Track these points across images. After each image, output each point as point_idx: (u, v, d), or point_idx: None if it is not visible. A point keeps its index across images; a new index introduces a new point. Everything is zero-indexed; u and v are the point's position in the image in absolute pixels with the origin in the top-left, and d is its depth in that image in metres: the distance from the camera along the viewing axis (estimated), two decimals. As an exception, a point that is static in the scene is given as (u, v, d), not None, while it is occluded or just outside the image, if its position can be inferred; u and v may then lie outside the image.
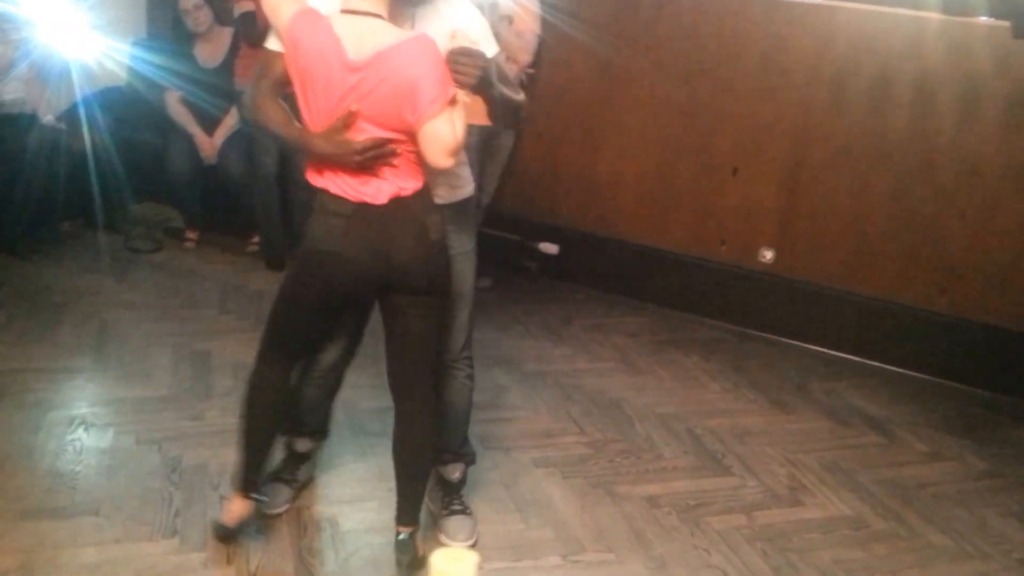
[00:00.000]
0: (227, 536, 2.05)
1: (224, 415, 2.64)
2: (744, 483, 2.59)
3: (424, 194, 1.82)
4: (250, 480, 2.04)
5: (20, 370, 2.80)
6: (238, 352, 3.04)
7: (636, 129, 3.82)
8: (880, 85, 3.35)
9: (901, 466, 2.77)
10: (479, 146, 3.57)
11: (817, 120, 3.49)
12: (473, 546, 2.15)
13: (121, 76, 4.18)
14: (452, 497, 2.24)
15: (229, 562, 2.03)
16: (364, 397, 2.82)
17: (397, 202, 1.77)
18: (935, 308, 3.43)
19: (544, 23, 3.57)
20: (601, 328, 3.64)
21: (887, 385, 3.36)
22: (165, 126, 3.99)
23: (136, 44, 4.15)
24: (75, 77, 3.80)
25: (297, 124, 1.79)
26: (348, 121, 1.71)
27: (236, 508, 2.04)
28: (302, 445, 2.29)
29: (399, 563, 2.02)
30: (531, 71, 3.59)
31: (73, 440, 2.46)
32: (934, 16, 3.23)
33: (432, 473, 2.17)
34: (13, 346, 2.96)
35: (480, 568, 2.07)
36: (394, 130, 1.73)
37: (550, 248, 4.04)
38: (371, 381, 2.94)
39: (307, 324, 1.97)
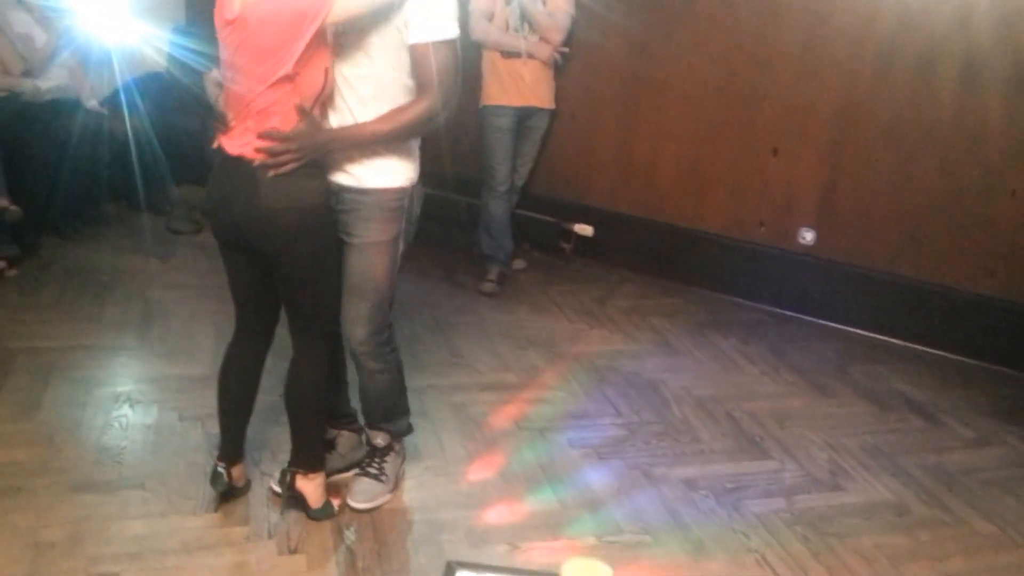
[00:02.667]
0: (220, 487, 2.11)
1: (264, 393, 2.63)
2: (783, 467, 2.56)
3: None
4: (223, 449, 2.12)
5: (69, 347, 2.88)
6: (278, 331, 3.07)
7: (673, 109, 3.76)
8: (926, 61, 3.25)
9: (945, 451, 2.71)
10: (513, 127, 3.59)
11: (861, 98, 3.39)
12: (367, 511, 2.16)
13: (160, 62, 4.24)
14: (370, 459, 2.23)
15: (270, 536, 2.07)
16: (401, 377, 2.85)
17: (243, 159, 1.80)
18: (982, 290, 3.33)
19: (578, 3, 3.53)
20: (638, 309, 3.61)
21: (931, 369, 3.28)
22: (203, 109, 4.04)
23: (175, 30, 4.20)
24: (116, 64, 3.87)
25: None
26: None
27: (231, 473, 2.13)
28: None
29: (280, 492, 2.13)
30: (564, 50, 3.55)
31: (119, 416, 2.52)
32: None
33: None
34: (62, 324, 3.04)
35: (516, 547, 2.09)
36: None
37: (585, 229, 4.01)
38: (408, 361, 2.97)
39: (233, 282, 2.03)
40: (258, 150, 1.78)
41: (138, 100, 3.95)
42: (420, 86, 1.83)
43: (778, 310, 3.67)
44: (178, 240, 3.92)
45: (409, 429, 2.30)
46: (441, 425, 2.60)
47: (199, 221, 4.08)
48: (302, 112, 1.78)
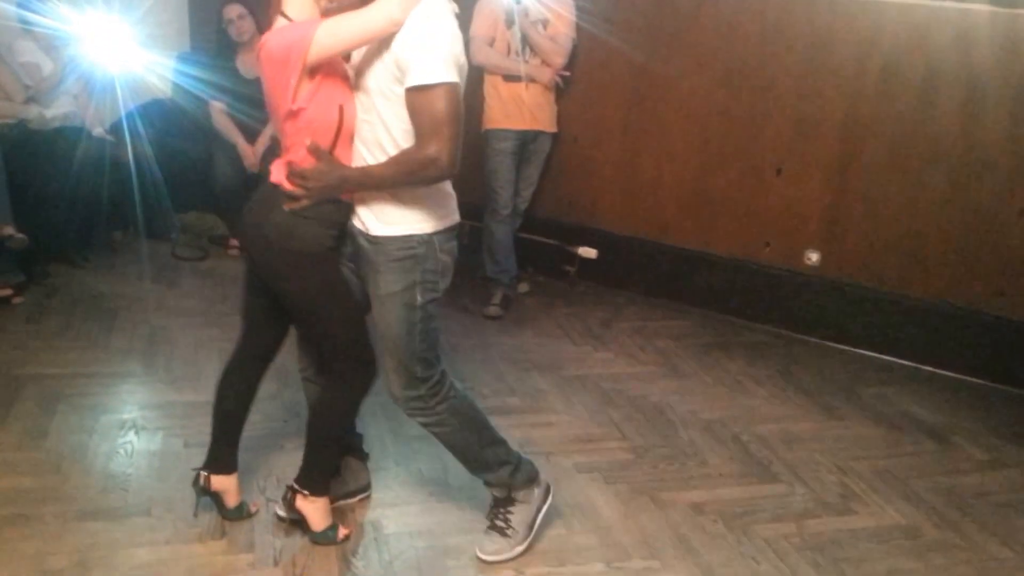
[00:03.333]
0: (197, 491, 2.14)
1: (268, 420, 2.67)
2: (793, 490, 2.53)
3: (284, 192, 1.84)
4: (208, 455, 2.13)
5: (75, 374, 2.88)
6: (281, 357, 3.05)
7: (676, 130, 3.78)
8: (930, 80, 3.26)
9: (958, 474, 2.68)
10: (516, 150, 3.61)
11: (865, 117, 3.40)
12: (494, 563, 2.10)
13: (164, 90, 4.29)
14: (495, 511, 2.16)
15: (275, 563, 2.05)
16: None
17: (276, 186, 1.85)
18: (992, 310, 3.31)
19: (579, 27, 3.56)
20: (643, 332, 3.60)
21: (942, 390, 3.25)
22: (208, 137, 4.07)
23: (180, 58, 4.26)
24: (120, 91, 3.91)
25: None
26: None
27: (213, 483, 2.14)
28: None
29: (283, 516, 2.16)
30: (566, 74, 3.58)
31: (125, 443, 2.51)
32: (983, 8, 3.14)
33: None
34: (68, 351, 3.05)
35: (521, 573, 2.07)
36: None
37: (589, 252, 4.01)
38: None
39: (244, 296, 2.07)
40: (288, 178, 1.82)
41: (143, 127, 3.99)
42: (417, 134, 1.76)
43: (785, 331, 3.65)
44: (183, 267, 3.93)
45: (523, 479, 2.13)
46: (445, 450, 2.57)
47: (204, 248, 4.10)
48: (314, 150, 1.79)
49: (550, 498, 2.20)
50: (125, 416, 2.66)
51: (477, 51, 3.47)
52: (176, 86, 4.20)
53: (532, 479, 2.16)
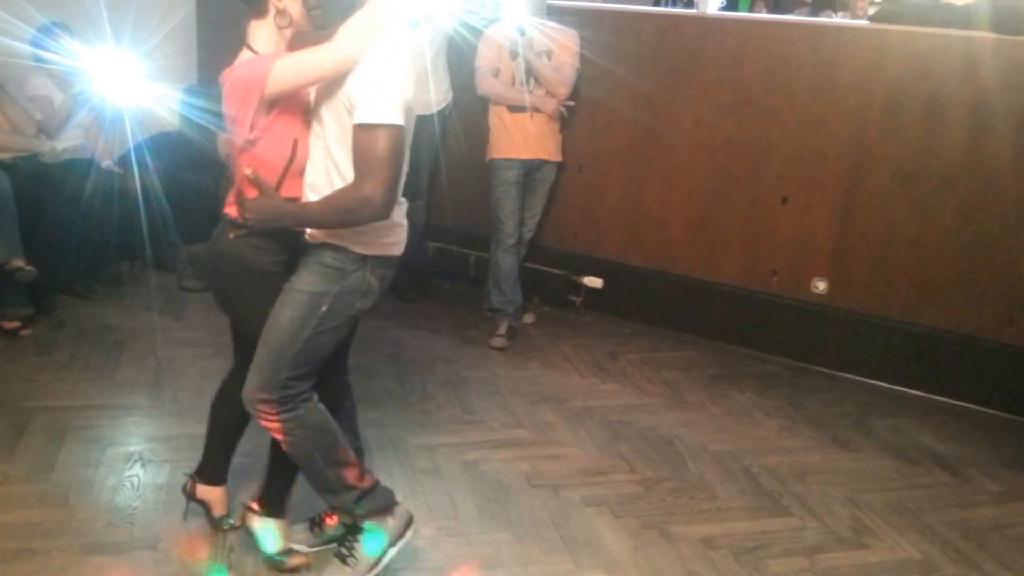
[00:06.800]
0: (184, 494, 2.25)
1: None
2: (804, 524, 2.49)
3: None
4: (200, 463, 2.24)
5: (82, 407, 2.87)
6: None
7: (682, 160, 3.79)
8: (935, 108, 3.27)
9: (973, 507, 2.64)
10: (520, 180, 3.63)
11: (870, 146, 3.41)
12: None
13: (172, 122, 4.34)
14: (342, 539, 2.11)
15: (280, 602, 2.02)
16: (412, 434, 2.82)
17: (227, 216, 1.94)
18: (1003, 339, 3.29)
19: (583, 58, 3.60)
20: (650, 363, 3.58)
21: (954, 421, 3.21)
22: (216, 168, 4.11)
23: (187, 91, 4.31)
24: (128, 123, 3.96)
25: None
26: None
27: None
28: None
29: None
30: (570, 103, 3.61)
31: (131, 476, 2.50)
32: (986, 36, 3.16)
33: None
34: (76, 383, 3.05)
35: (531, 612, 2.03)
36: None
37: (595, 282, 4.00)
38: (419, 419, 2.94)
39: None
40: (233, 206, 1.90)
41: (151, 159, 4.03)
42: (356, 171, 1.75)
43: (794, 362, 3.62)
44: (190, 298, 3.94)
45: (370, 508, 2.04)
46: (454, 484, 2.56)
47: (212, 278, 4.10)
48: (254, 181, 1.84)
49: (409, 532, 2.09)
50: (132, 449, 2.65)
51: (482, 81, 3.50)
52: (184, 118, 4.25)
53: (383, 509, 2.06)
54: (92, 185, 3.66)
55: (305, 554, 2.16)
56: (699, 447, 2.89)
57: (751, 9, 7.08)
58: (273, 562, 2.11)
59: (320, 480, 2.02)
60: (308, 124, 1.87)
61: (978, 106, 3.20)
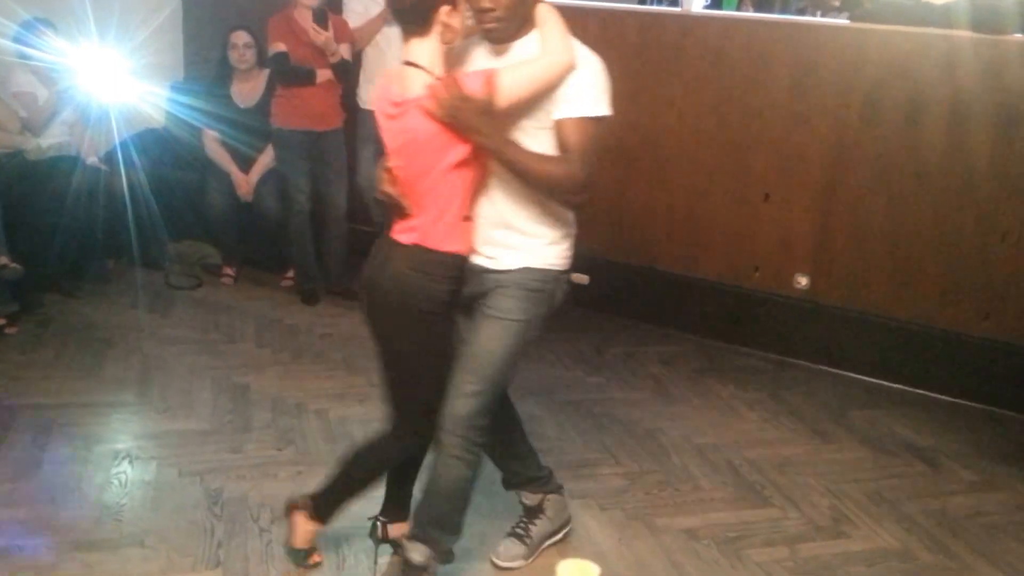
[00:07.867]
0: (373, 539, 2.11)
1: (262, 448, 2.68)
2: (785, 514, 2.54)
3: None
4: (383, 504, 2.13)
5: (69, 404, 2.87)
6: (275, 385, 3.09)
7: (665, 157, 3.83)
8: (914, 106, 3.33)
9: (948, 496, 2.70)
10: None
11: (850, 143, 3.47)
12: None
13: (158, 119, 4.33)
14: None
15: (269, 595, 2.04)
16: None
17: (394, 242, 1.89)
18: (978, 332, 3.35)
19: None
20: (634, 357, 3.62)
21: (931, 413, 3.28)
22: (202, 165, 4.10)
23: (173, 87, 4.30)
24: (114, 120, 3.95)
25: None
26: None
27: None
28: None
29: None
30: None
31: (119, 473, 2.51)
32: (965, 35, 3.22)
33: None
34: (62, 381, 3.05)
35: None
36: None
37: (581, 278, 4.03)
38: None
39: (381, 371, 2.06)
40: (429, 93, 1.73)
41: (138, 156, 4.02)
42: (567, 151, 1.79)
43: (775, 356, 3.68)
44: (177, 295, 3.94)
45: (449, 557, 2.07)
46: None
47: (197, 276, 4.10)
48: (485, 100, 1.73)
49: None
50: (119, 446, 2.66)
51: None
52: (170, 115, 4.24)
53: (447, 560, 2.09)
54: (77, 182, 3.65)
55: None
56: (683, 440, 2.94)
57: (738, 7, 7.12)
58: (295, 557, 2.10)
59: (448, 518, 2.01)
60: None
61: (957, 105, 3.25)
